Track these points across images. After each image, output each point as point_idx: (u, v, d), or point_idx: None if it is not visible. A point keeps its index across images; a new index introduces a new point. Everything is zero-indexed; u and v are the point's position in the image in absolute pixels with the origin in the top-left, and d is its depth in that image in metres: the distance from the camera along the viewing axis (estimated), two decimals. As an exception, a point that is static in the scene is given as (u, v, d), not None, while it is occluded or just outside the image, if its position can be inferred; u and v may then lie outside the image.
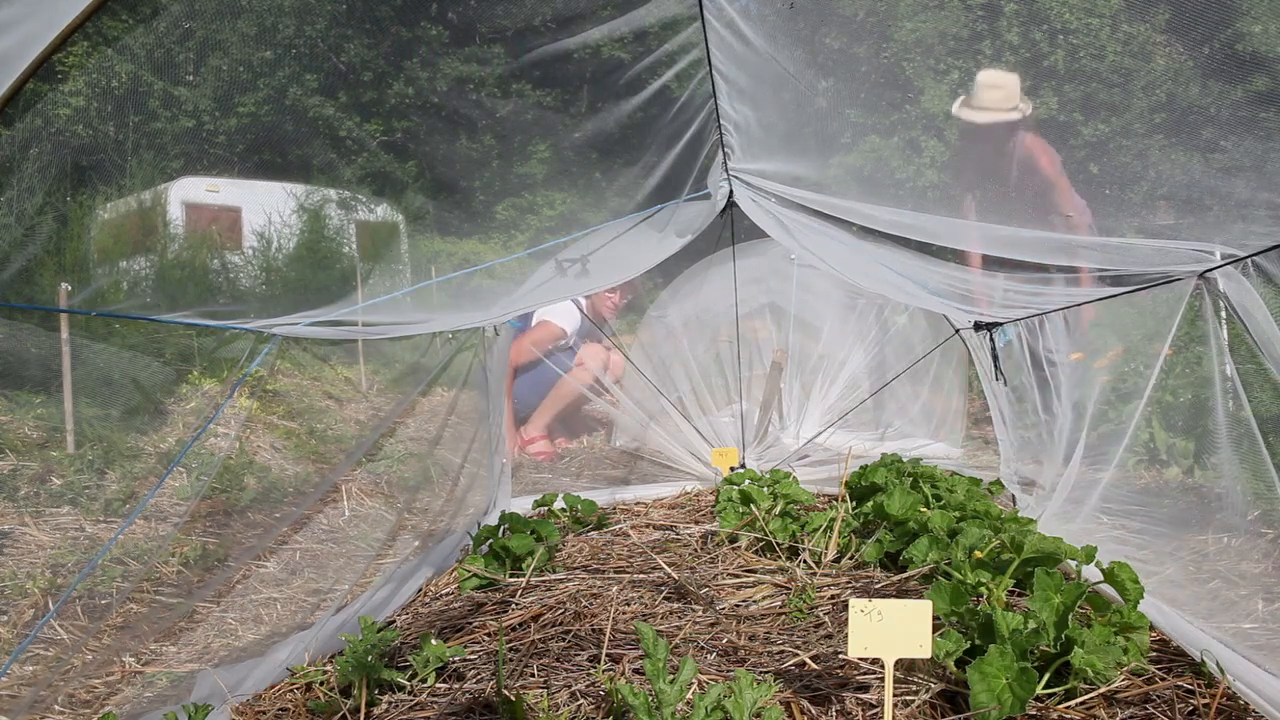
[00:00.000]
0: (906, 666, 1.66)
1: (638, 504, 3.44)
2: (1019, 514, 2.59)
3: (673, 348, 4.43)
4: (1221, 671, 1.55)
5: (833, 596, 2.18)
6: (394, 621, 2.20)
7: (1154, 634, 1.78)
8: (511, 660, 1.83)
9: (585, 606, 2.11)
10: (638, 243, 2.88)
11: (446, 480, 4.05)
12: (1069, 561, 1.98)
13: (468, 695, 1.69)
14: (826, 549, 2.48)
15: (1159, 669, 1.68)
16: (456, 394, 3.52)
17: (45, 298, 3.71)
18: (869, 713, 1.56)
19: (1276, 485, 1.85)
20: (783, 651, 1.83)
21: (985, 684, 1.46)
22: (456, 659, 1.85)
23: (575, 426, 5.04)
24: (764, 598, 2.20)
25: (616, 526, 2.96)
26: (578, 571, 2.44)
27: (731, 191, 2.84)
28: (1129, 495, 2.62)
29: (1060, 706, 1.54)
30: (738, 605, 2.15)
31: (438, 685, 1.76)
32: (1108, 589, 1.83)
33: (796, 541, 2.55)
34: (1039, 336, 3.13)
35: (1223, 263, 1.92)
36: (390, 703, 1.69)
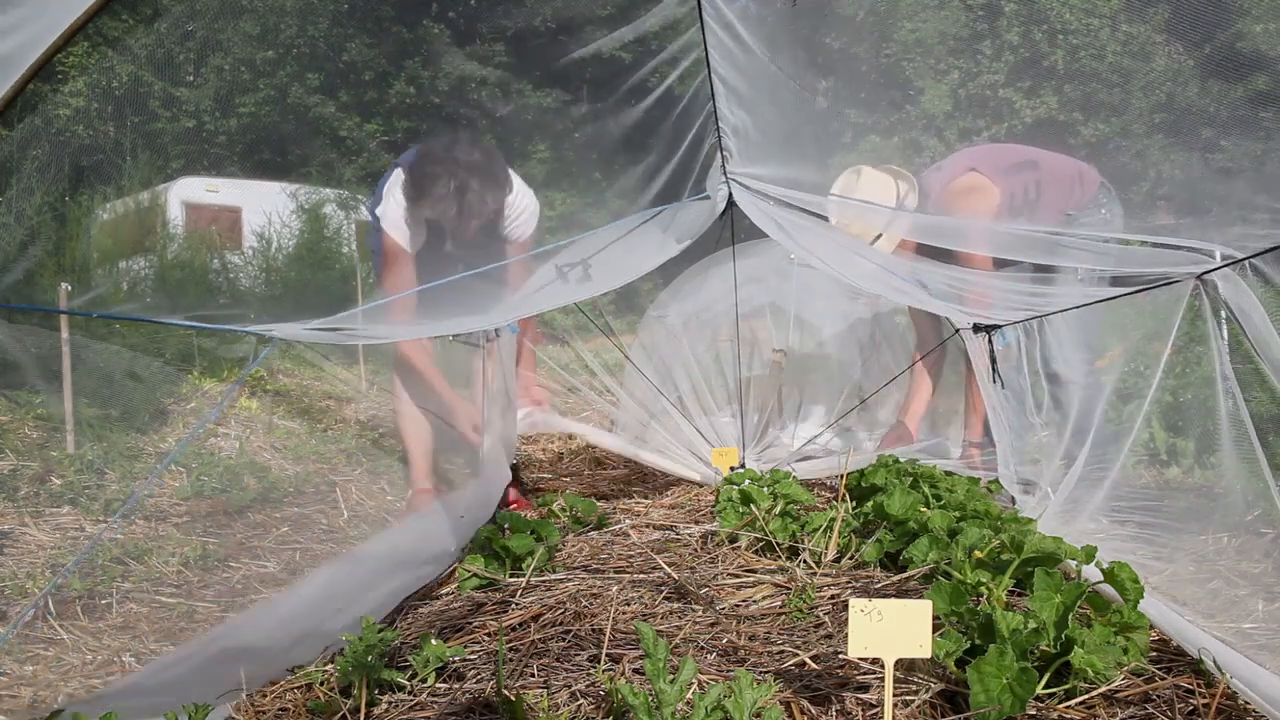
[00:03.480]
0: (906, 666, 1.66)
1: (638, 504, 3.44)
2: (1019, 514, 2.59)
3: (673, 348, 4.43)
4: (1220, 670, 1.55)
5: (833, 596, 2.18)
6: (394, 621, 2.20)
7: (1154, 634, 1.78)
8: (511, 660, 1.83)
9: (585, 606, 2.11)
10: (638, 246, 2.87)
11: (447, 480, 4.04)
12: (1069, 561, 1.98)
13: (468, 695, 1.69)
14: (826, 549, 2.48)
15: (1159, 669, 1.68)
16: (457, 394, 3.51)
17: (45, 298, 3.72)
18: (869, 713, 1.56)
19: (1274, 485, 1.85)
20: (783, 651, 1.83)
21: (985, 684, 1.46)
22: (456, 659, 1.85)
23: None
24: (764, 598, 2.21)
25: (616, 526, 2.96)
26: (578, 571, 2.44)
27: (731, 194, 2.85)
28: (1129, 495, 2.62)
29: (1060, 706, 1.54)
30: (738, 605, 2.15)
31: (438, 685, 1.76)
32: (1108, 589, 1.83)
33: (796, 541, 2.55)
34: (1037, 338, 3.13)
35: (1221, 264, 1.93)
36: (390, 703, 1.69)
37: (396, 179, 3.12)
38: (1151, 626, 1.75)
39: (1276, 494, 1.86)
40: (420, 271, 3.17)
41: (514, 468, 3.86)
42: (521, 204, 3.26)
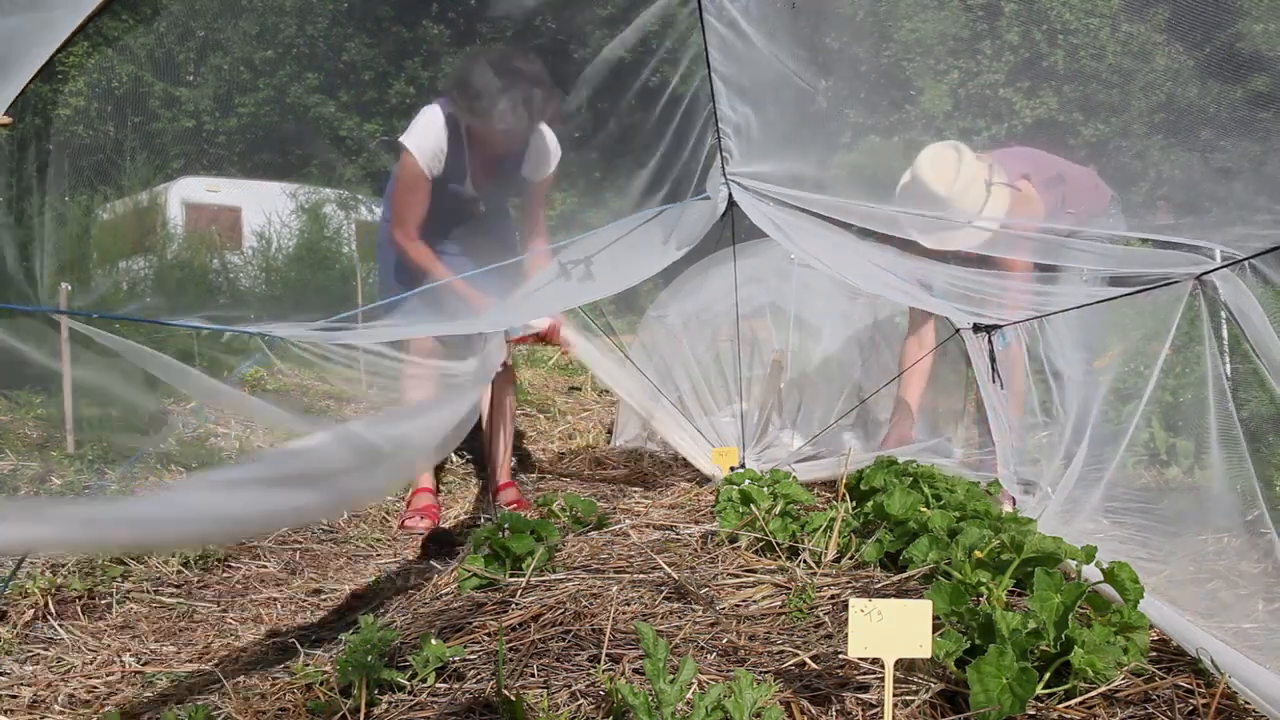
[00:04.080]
0: (906, 666, 1.66)
1: (638, 504, 3.44)
2: (1019, 514, 2.60)
3: (673, 348, 4.43)
4: (1217, 669, 1.56)
5: (833, 596, 2.18)
6: (394, 622, 2.20)
7: (1154, 633, 1.78)
8: (511, 660, 1.83)
9: (585, 606, 2.11)
10: (640, 247, 2.87)
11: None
12: (1069, 561, 1.98)
13: (468, 695, 1.69)
14: (826, 549, 2.48)
15: (1159, 669, 1.68)
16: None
17: (46, 298, 3.70)
18: (869, 712, 1.57)
19: (1275, 485, 1.85)
20: (783, 651, 1.83)
21: (985, 684, 1.46)
22: (456, 659, 1.85)
23: None
24: (764, 598, 2.21)
25: (616, 526, 2.96)
26: (578, 571, 2.44)
27: (731, 195, 2.85)
28: (1129, 495, 2.62)
29: (1060, 706, 1.55)
30: (738, 605, 2.15)
31: (438, 685, 1.76)
32: (1108, 589, 1.83)
33: (796, 541, 2.56)
34: (1038, 338, 3.13)
35: (1220, 265, 1.93)
36: (390, 703, 1.69)
37: (430, 108, 3.12)
38: (1151, 626, 1.75)
39: (1263, 495, 1.86)
40: (435, 207, 3.18)
41: (514, 468, 3.87)
42: (550, 138, 3.28)
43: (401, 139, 3.15)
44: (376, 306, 2.87)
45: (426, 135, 3.09)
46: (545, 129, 3.26)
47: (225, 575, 2.80)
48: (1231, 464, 2.01)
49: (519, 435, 4.81)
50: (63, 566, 2.61)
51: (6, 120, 1.07)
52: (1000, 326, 3.26)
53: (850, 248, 3.03)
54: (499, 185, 3.34)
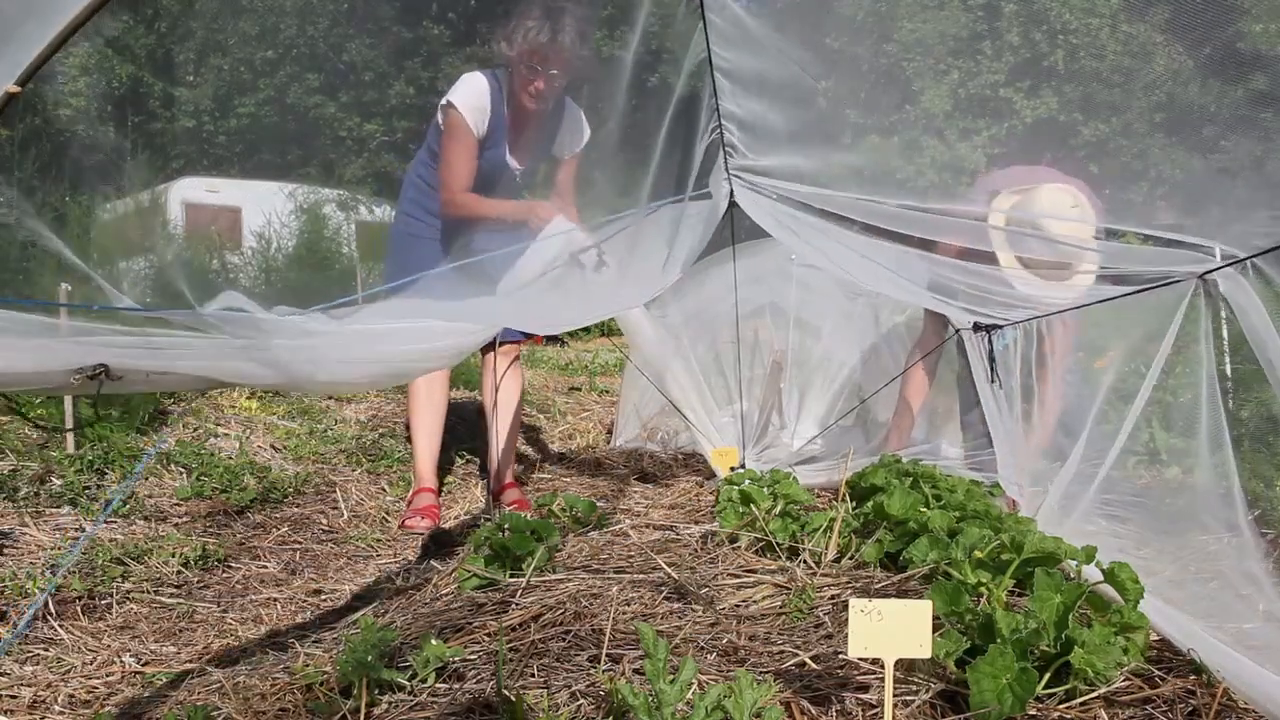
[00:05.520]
0: (906, 666, 1.66)
1: (638, 504, 3.44)
2: (1019, 514, 2.59)
3: (673, 347, 4.42)
4: (1206, 668, 1.55)
5: (833, 596, 2.18)
6: (394, 622, 2.20)
7: (1154, 634, 1.78)
8: (511, 660, 1.83)
9: (585, 606, 2.11)
10: (648, 252, 2.86)
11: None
12: (1069, 561, 1.98)
13: (468, 695, 1.69)
14: (826, 549, 2.48)
15: (1159, 669, 1.68)
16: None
17: (45, 298, 3.70)
18: (869, 713, 1.56)
19: (1276, 485, 1.85)
20: (783, 651, 1.83)
21: (985, 684, 1.46)
22: (456, 659, 1.85)
23: None
24: (764, 598, 2.20)
25: (616, 526, 2.96)
26: (578, 571, 2.44)
27: (732, 191, 2.84)
28: (1129, 495, 2.62)
29: (1060, 706, 1.54)
30: (738, 605, 2.15)
31: (438, 685, 1.76)
32: (1107, 589, 1.83)
33: (796, 541, 2.55)
34: (1033, 339, 3.13)
35: (1221, 264, 1.93)
36: (390, 703, 1.69)
37: (472, 73, 3.23)
38: (1151, 626, 1.75)
39: (1240, 496, 1.86)
40: (476, 174, 3.25)
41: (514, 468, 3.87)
42: (582, 115, 3.38)
43: (445, 99, 3.23)
44: (418, 279, 2.84)
45: (470, 93, 3.19)
46: (577, 107, 3.37)
47: (225, 575, 2.80)
48: (1232, 463, 2.01)
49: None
50: (63, 567, 2.61)
51: (15, 89, 1.07)
52: (1000, 326, 3.26)
53: (852, 245, 3.03)
54: (535, 157, 3.44)
